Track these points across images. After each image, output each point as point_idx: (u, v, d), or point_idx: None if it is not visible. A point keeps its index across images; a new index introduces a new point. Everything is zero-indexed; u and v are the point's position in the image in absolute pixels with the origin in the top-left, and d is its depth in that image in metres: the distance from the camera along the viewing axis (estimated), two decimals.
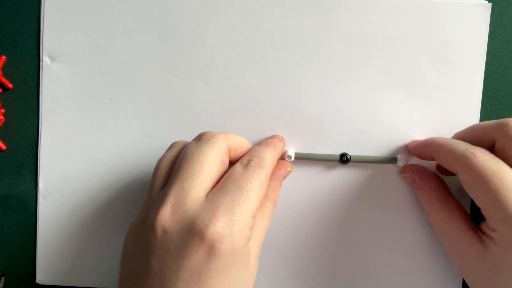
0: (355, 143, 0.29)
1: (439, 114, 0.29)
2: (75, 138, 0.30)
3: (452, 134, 0.28)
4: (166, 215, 0.20)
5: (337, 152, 0.29)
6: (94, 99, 0.30)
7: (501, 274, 0.21)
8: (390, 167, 0.29)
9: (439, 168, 0.28)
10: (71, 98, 0.30)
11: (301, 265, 0.30)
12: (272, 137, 0.29)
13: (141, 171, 0.30)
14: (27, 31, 0.30)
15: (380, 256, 0.30)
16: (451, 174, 0.28)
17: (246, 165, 0.23)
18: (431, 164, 0.29)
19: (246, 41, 0.30)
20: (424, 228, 0.30)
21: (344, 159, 0.29)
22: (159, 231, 0.20)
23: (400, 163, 0.29)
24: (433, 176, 0.27)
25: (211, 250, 0.20)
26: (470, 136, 0.25)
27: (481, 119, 0.29)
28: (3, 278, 0.31)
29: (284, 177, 0.28)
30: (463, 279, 0.30)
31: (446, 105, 0.29)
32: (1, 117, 0.30)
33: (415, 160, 0.29)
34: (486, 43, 0.29)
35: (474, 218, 0.25)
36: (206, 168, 0.22)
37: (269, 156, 0.25)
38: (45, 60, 0.30)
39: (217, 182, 0.23)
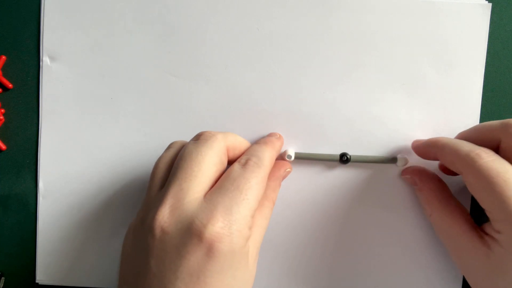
0: (355, 143, 0.29)
1: (439, 114, 0.29)
2: (75, 138, 0.30)
3: (452, 134, 0.28)
4: (165, 216, 0.20)
5: (337, 152, 0.29)
6: (94, 99, 0.30)
7: (504, 275, 0.21)
8: (390, 167, 0.29)
9: (442, 168, 0.28)
10: (71, 98, 0.30)
11: (300, 265, 0.30)
12: (270, 135, 0.29)
13: (141, 171, 0.30)
14: (27, 31, 0.30)
15: (380, 256, 0.30)
16: (454, 174, 0.28)
17: (244, 165, 0.23)
18: (433, 164, 0.29)
19: (246, 41, 0.30)
20: (424, 228, 0.30)
21: (344, 159, 0.29)
22: (157, 231, 0.20)
23: (400, 163, 0.29)
24: (434, 177, 0.27)
25: (210, 250, 0.20)
26: (474, 136, 0.25)
27: (481, 119, 0.29)
28: (3, 278, 0.31)
29: (284, 177, 0.28)
30: (463, 279, 0.30)
31: (446, 105, 0.29)
32: (1, 117, 0.30)
33: (415, 160, 0.29)
34: (486, 43, 0.29)
35: (474, 218, 0.25)
36: (205, 168, 0.22)
37: (267, 155, 0.25)
38: (45, 60, 0.30)
39: (216, 181, 0.23)
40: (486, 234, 0.23)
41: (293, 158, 0.29)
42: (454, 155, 0.23)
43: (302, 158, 0.29)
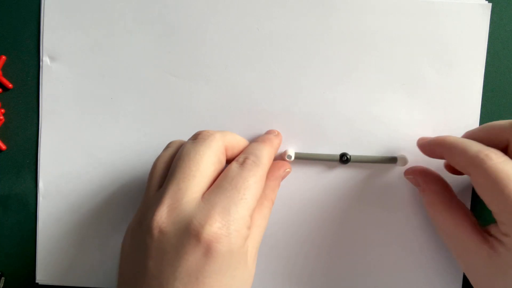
0: (355, 143, 0.29)
1: (439, 114, 0.29)
2: (75, 138, 0.30)
3: (452, 134, 0.28)
4: (163, 216, 0.20)
5: (337, 152, 0.29)
6: (94, 99, 0.30)
7: (509, 277, 0.21)
8: (390, 167, 0.29)
9: (448, 167, 0.28)
10: (71, 98, 0.30)
11: (300, 265, 0.30)
12: (268, 132, 0.29)
13: (141, 171, 0.30)
14: (27, 31, 0.30)
15: (380, 256, 0.30)
16: (460, 173, 0.27)
17: (242, 164, 0.23)
18: (439, 162, 0.29)
19: (246, 41, 0.30)
20: (424, 228, 0.30)
21: (344, 159, 0.29)
22: (155, 232, 0.20)
23: (400, 163, 0.29)
24: (437, 179, 0.27)
25: (208, 251, 0.19)
26: (482, 136, 0.25)
27: (481, 119, 0.29)
28: (3, 278, 0.31)
29: (283, 177, 0.28)
30: (463, 279, 0.30)
31: (446, 105, 0.29)
32: (1, 117, 0.30)
33: (416, 160, 0.29)
34: (486, 43, 0.29)
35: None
36: (203, 167, 0.22)
37: (266, 153, 0.24)
38: (45, 60, 0.30)
39: (214, 181, 0.23)
40: (491, 235, 0.23)
41: (293, 158, 0.29)
42: (462, 156, 0.23)
43: (302, 158, 0.29)
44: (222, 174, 0.23)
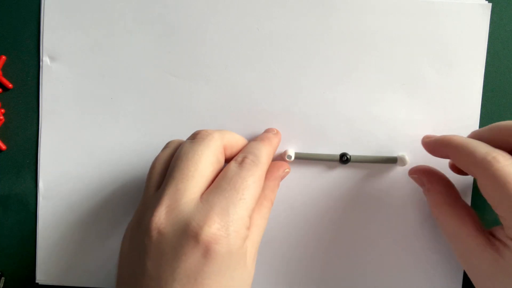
0: (355, 143, 0.29)
1: (439, 114, 0.29)
2: (75, 138, 0.30)
3: (452, 134, 0.28)
4: (161, 217, 0.20)
5: (337, 152, 0.29)
6: (94, 99, 0.30)
7: None
8: (390, 167, 0.29)
9: (453, 167, 0.28)
10: (71, 98, 0.30)
11: (300, 265, 0.30)
12: (267, 131, 0.29)
13: (141, 171, 0.30)
14: (27, 31, 0.30)
15: (380, 256, 0.30)
16: (466, 174, 0.27)
17: (241, 163, 0.23)
18: (441, 162, 0.28)
19: (246, 41, 0.30)
20: (424, 228, 0.30)
21: (344, 159, 0.29)
22: (154, 233, 0.20)
23: (400, 163, 0.29)
24: (442, 179, 0.26)
25: (207, 252, 0.19)
26: (489, 136, 0.24)
27: (481, 119, 0.29)
28: (3, 278, 0.31)
29: (282, 178, 0.28)
30: (463, 279, 0.30)
31: (446, 105, 0.29)
32: (1, 117, 0.30)
33: (415, 160, 0.29)
34: (486, 43, 0.29)
35: None
36: (201, 168, 0.22)
37: (264, 152, 0.24)
38: (45, 60, 0.30)
39: (213, 181, 0.22)
40: (496, 238, 0.22)
41: (293, 158, 0.29)
42: (468, 157, 0.22)
43: (302, 158, 0.29)
44: (221, 174, 0.23)
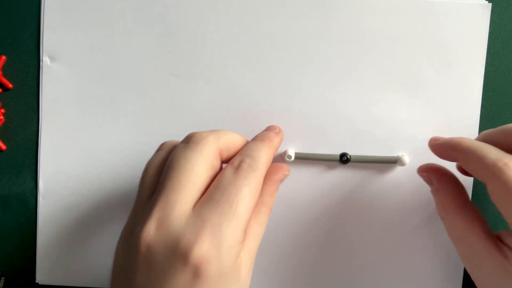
0: (355, 143, 0.29)
1: (439, 114, 0.29)
2: (75, 138, 0.30)
3: (452, 134, 0.28)
4: (151, 231, 0.19)
5: (337, 152, 0.29)
6: (94, 99, 0.30)
7: None
8: (390, 167, 0.29)
9: (461, 168, 0.27)
10: (71, 98, 0.30)
11: (300, 265, 0.30)
12: (269, 129, 0.27)
13: (141, 171, 0.30)
14: (27, 31, 0.30)
15: (380, 256, 0.30)
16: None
17: (237, 168, 0.21)
18: (443, 161, 0.28)
19: (246, 41, 0.30)
20: (424, 228, 0.30)
21: (344, 159, 0.29)
22: (143, 248, 0.19)
23: (400, 163, 0.29)
24: (452, 179, 0.25)
25: (197, 273, 0.19)
26: (500, 139, 0.23)
27: (481, 119, 0.29)
28: (3, 278, 0.31)
29: (282, 181, 0.26)
30: (463, 279, 0.30)
31: (446, 105, 0.29)
32: (1, 117, 0.30)
33: (415, 160, 0.29)
34: (486, 43, 0.29)
35: None
36: (194, 177, 0.21)
37: (263, 154, 0.23)
38: (45, 60, 0.30)
39: (208, 186, 0.21)
40: (504, 244, 0.22)
41: (293, 158, 0.29)
42: (478, 162, 0.21)
43: (302, 158, 0.29)
44: (215, 181, 0.21)
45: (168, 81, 0.30)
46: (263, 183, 0.23)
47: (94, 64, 0.30)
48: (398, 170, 0.29)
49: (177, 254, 0.19)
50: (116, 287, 0.21)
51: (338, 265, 0.30)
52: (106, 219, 0.30)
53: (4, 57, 0.30)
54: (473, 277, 0.24)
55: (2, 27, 0.30)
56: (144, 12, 0.30)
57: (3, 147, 0.30)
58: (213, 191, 0.21)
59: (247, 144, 0.24)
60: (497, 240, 0.22)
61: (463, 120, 0.29)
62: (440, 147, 0.25)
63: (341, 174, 0.30)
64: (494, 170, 0.20)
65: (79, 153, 0.30)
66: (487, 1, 0.29)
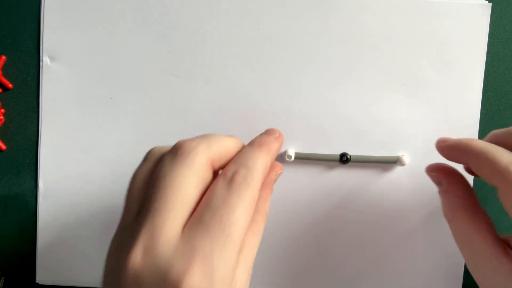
0: (355, 143, 0.29)
1: (439, 114, 0.29)
2: (75, 138, 0.30)
3: (452, 134, 0.28)
4: (137, 258, 0.18)
5: (337, 152, 0.29)
6: (94, 99, 0.30)
7: None
8: (390, 167, 0.29)
9: (469, 170, 0.26)
10: (71, 98, 0.30)
11: (299, 265, 0.30)
12: (268, 133, 0.24)
13: None
14: (27, 31, 0.30)
15: (380, 256, 0.30)
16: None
17: (230, 181, 0.19)
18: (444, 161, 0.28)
19: (246, 41, 0.30)
20: (424, 228, 0.30)
21: (344, 159, 0.29)
22: (130, 278, 0.18)
23: (400, 163, 0.29)
24: (462, 181, 0.24)
25: None
26: (509, 140, 0.22)
27: (481, 119, 0.29)
28: (3, 278, 0.31)
29: (275, 181, 0.24)
30: (463, 279, 0.30)
31: (446, 105, 0.29)
32: (1, 117, 0.30)
33: (415, 161, 0.29)
34: (486, 43, 0.29)
35: None
36: (182, 196, 0.19)
37: (260, 163, 0.21)
38: (45, 60, 0.30)
39: (199, 201, 0.20)
40: None
41: (293, 158, 0.29)
42: (489, 166, 0.20)
43: (302, 158, 0.29)
44: (206, 197, 0.19)
45: (168, 81, 0.30)
46: None
47: (94, 64, 0.30)
48: (398, 170, 0.29)
49: (167, 286, 0.17)
50: None
51: (338, 265, 0.30)
52: (106, 219, 0.30)
53: (4, 57, 0.30)
54: (478, 282, 0.23)
55: (2, 27, 0.30)
56: (144, 12, 0.30)
57: (3, 147, 0.30)
58: (203, 211, 0.19)
59: (243, 150, 0.22)
60: (505, 246, 0.21)
61: (463, 120, 0.29)
62: (448, 149, 0.24)
63: (341, 174, 0.30)
64: (507, 174, 0.19)
65: (79, 153, 0.30)
66: (487, 1, 0.29)
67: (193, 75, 0.30)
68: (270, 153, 0.22)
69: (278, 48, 0.29)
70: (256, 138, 0.24)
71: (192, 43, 0.30)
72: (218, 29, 0.30)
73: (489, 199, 0.26)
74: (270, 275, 0.30)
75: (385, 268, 0.30)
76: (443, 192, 0.24)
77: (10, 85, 0.30)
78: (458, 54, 0.29)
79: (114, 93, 0.30)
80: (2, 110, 0.30)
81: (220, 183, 0.20)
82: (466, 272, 0.30)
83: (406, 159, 0.29)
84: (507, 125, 0.29)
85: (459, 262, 0.30)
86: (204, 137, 0.21)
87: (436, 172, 0.25)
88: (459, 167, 0.27)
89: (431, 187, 0.29)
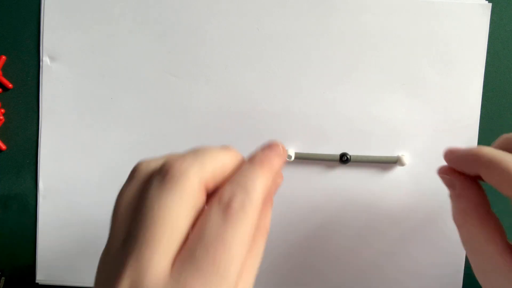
0: (355, 143, 0.29)
1: (439, 114, 0.29)
2: (75, 138, 0.30)
3: (452, 134, 0.28)
4: None
5: (337, 152, 0.29)
6: (94, 99, 0.30)
7: None
8: (390, 167, 0.29)
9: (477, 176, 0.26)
10: (71, 98, 0.30)
11: (300, 265, 0.30)
12: (270, 148, 0.21)
13: None
14: (27, 31, 0.30)
15: (380, 255, 0.30)
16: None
17: (226, 209, 0.17)
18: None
19: (246, 41, 0.30)
20: (424, 228, 0.30)
21: (344, 159, 0.29)
22: None
23: (400, 163, 0.29)
24: (475, 185, 0.23)
25: None
26: None
27: (481, 119, 0.29)
28: (3, 278, 0.31)
29: (275, 193, 0.22)
30: (463, 279, 0.30)
31: (446, 105, 0.29)
32: (1, 117, 0.30)
33: (415, 161, 0.29)
34: (486, 43, 0.29)
35: None
36: (171, 227, 0.17)
37: (260, 185, 0.18)
38: (45, 60, 0.30)
39: (192, 229, 0.18)
40: None
41: (293, 158, 0.29)
42: (502, 176, 0.19)
43: (302, 158, 0.29)
44: (198, 227, 0.17)
45: (168, 81, 0.30)
46: None
47: (94, 64, 0.30)
48: (398, 170, 0.29)
49: None
50: None
51: (338, 264, 0.30)
52: (106, 219, 0.30)
53: (4, 57, 0.30)
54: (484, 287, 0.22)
55: (2, 27, 0.30)
56: (144, 12, 0.30)
57: (3, 147, 0.30)
58: (195, 245, 0.17)
59: (241, 168, 0.20)
60: None
61: (463, 120, 0.29)
62: (458, 161, 0.23)
63: (341, 174, 0.30)
64: None
65: (79, 153, 0.30)
66: (487, 1, 0.29)
67: (193, 75, 0.30)
68: (272, 171, 0.20)
69: (278, 48, 0.29)
70: (257, 153, 0.21)
71: (192, 43, 0.30)
72: (218, 29, 0.30)
73: (494, 203, 0.25)
74: (269, 274, 0.30)
75: (384, 268, 0.30)
76: (455, 196, 0.23)
77: (10, 85, 0.30)
78: (458, 54, 0.29)
79: (114, 93, 0.30)
80: (2, 110, 0.30)
81: (215, 210, 0.17)
82: (466, 272, 0.30)
83: (406, 159, 0.29)
84: (507, 125, 0.30)
85: (459, 262, 0.30)
86: (197, 154, 0.19)
87: (450, 175, 0.24)
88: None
89: (431, 187, 0.29)
